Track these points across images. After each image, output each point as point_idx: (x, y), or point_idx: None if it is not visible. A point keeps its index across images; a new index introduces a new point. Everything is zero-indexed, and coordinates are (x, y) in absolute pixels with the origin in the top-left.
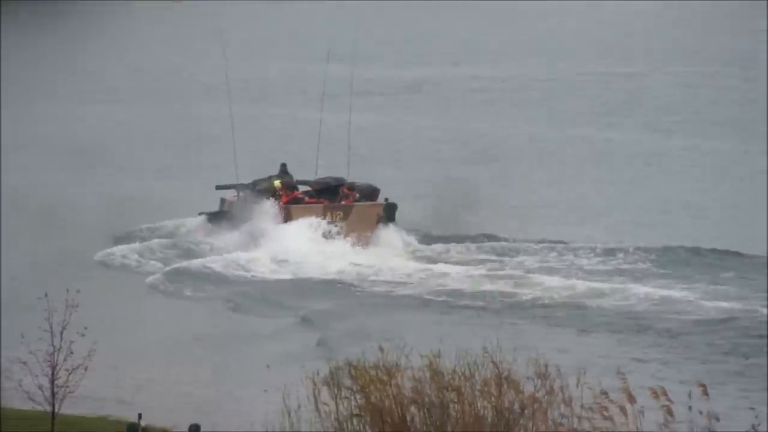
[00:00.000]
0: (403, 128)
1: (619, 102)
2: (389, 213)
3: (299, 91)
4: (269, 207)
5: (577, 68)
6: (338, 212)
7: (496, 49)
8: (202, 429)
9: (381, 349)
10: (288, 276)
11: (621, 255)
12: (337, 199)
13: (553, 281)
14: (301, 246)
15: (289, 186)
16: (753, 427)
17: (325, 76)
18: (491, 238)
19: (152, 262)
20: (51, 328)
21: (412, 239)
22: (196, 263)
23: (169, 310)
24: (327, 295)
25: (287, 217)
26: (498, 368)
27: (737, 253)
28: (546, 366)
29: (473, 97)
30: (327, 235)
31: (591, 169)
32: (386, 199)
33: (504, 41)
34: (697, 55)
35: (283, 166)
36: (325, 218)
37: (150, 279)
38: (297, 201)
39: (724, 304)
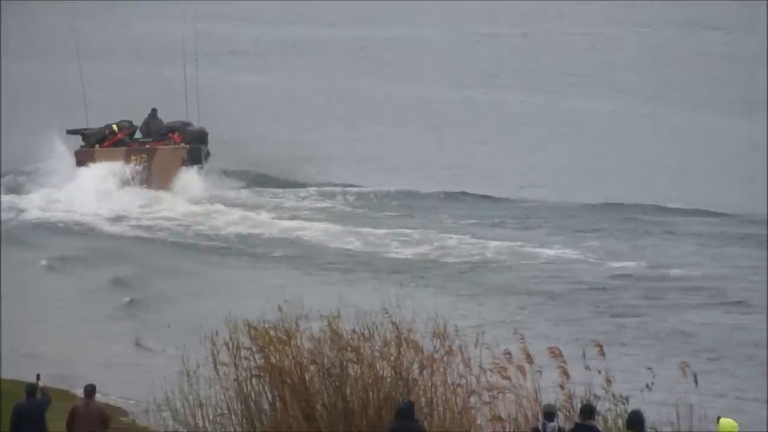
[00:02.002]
0: (280, 86)
1: (513, 64)
2: (194, 156)
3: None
4: (61, 150)
5: (471, 29)
6: (142, 155)
7: (389, 12)
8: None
9: (280, 309)
10: (37, 217)
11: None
12: (165, 142)
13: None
14: (84, 189)
15: (157, 131)
16: (647, 385)
17: (183, 36)
18: (325, 185)
19: None
20: None
21: (234, 183)
22: None
23: None
24: (85, 238)
25: (87, 160)
26: (398, 329)
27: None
28: (445, 326)
29: (358, 57)
30: (125, 179)
31: (479, 130)
32: (191, 143)
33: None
34: (599, 19)
35: (153, 111)
36: (129, 161)
37: None
38: (119, 144)
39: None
